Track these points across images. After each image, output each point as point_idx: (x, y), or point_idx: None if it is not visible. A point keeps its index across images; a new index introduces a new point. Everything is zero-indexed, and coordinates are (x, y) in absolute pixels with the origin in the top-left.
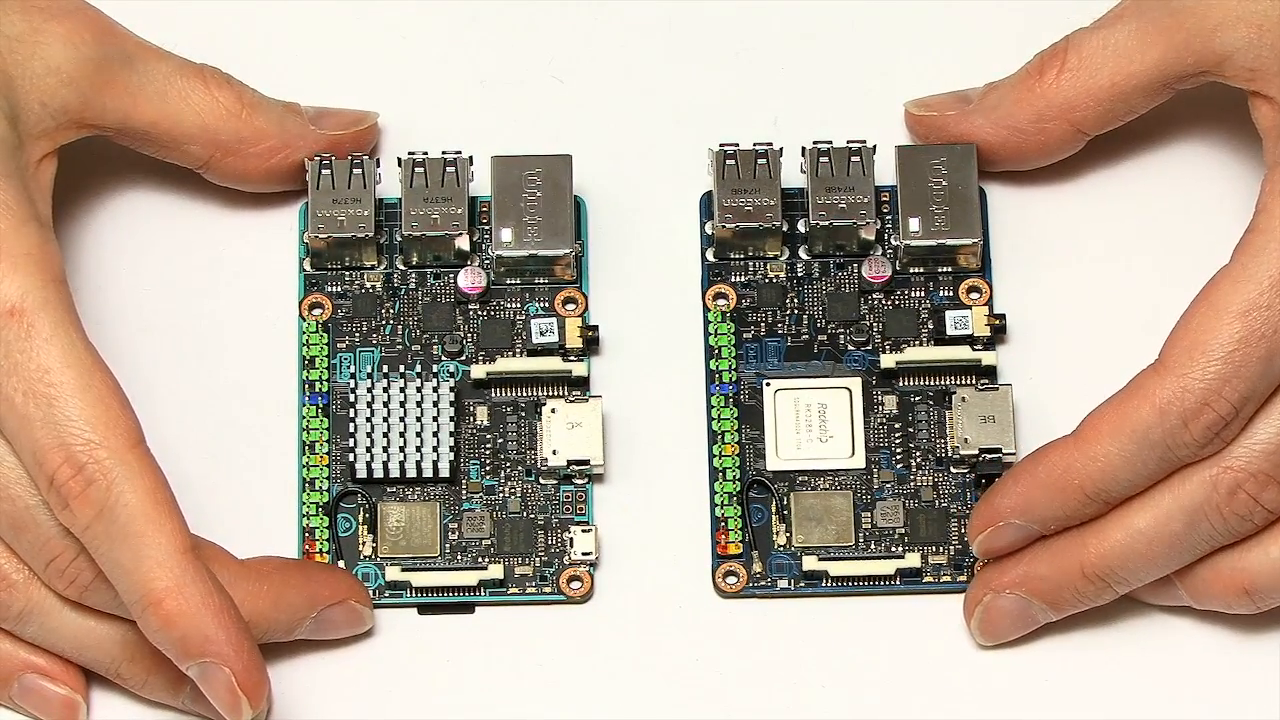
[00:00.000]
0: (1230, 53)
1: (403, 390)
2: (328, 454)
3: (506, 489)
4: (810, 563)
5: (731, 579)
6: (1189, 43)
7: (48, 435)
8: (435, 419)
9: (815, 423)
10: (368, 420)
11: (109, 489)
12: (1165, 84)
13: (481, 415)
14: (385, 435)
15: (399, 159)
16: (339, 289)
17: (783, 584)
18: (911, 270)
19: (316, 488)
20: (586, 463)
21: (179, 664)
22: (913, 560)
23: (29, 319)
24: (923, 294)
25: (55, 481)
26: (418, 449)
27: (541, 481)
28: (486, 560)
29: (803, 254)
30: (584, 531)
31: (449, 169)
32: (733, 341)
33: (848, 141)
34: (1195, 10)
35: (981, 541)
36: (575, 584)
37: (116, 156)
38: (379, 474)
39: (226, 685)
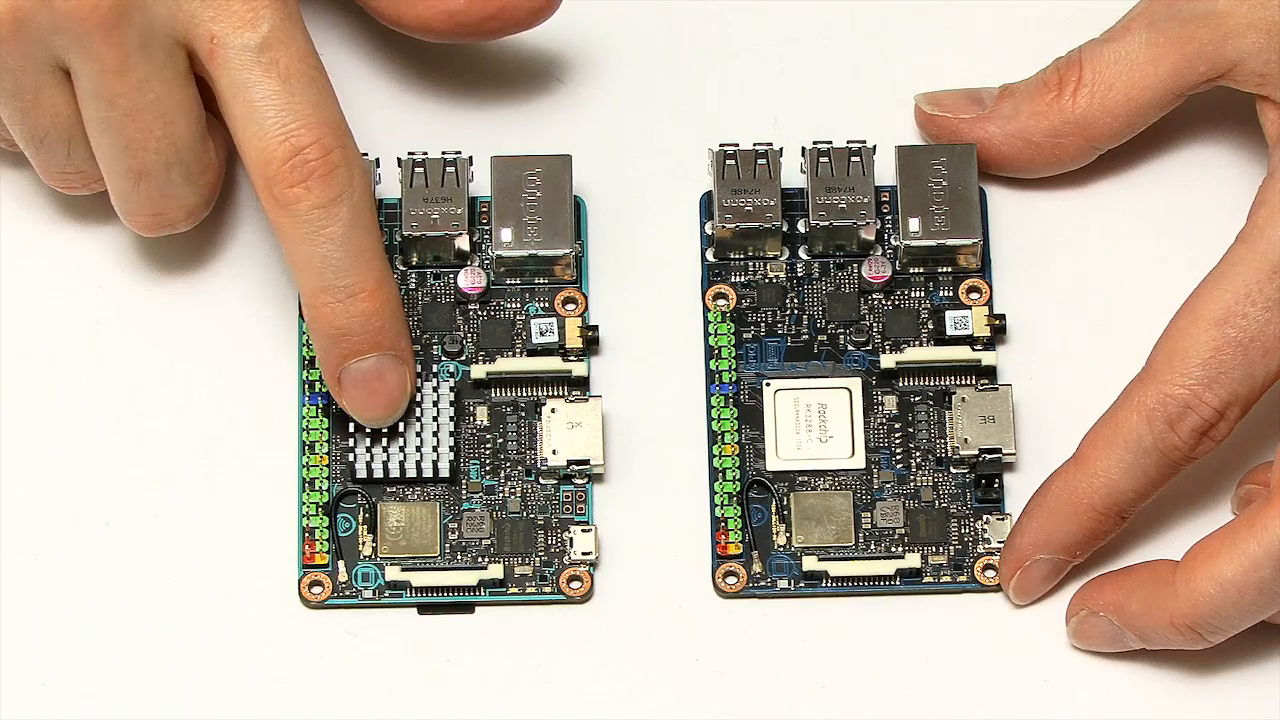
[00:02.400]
0: (1241, 59)
1: None
2: (328, 454)
3: (506, 489)
4: (810, 563)
5: (731, 579)
6: (1201, 52)
7: (306, 112)
8: (435, 419)
9: (815, 423)
10: None
11: (350, 179)
12: (1178, 94)
13: (481, 415)
14: (385, 435)
15: (399, 159)
16: None
17: (783, 584)
18: (911, 270)
19: (316, 488)
20: (586, 463)
21: (350, 355)
22: (913, 560)
23: (289, 6)
24: (923, 294)
25: (302, 157)
26: (418, 449)
27: (541, 481)
28: (486, 560)
29: (803, 254)
30: (584, 531)
31: (449, 169)
32: (733, 341)
33: (848, 141)
34: (1206, 19)
35: (1015, 585)
36: (575, 584)
37: None
38: (379, 474)
39: (402, 380)
